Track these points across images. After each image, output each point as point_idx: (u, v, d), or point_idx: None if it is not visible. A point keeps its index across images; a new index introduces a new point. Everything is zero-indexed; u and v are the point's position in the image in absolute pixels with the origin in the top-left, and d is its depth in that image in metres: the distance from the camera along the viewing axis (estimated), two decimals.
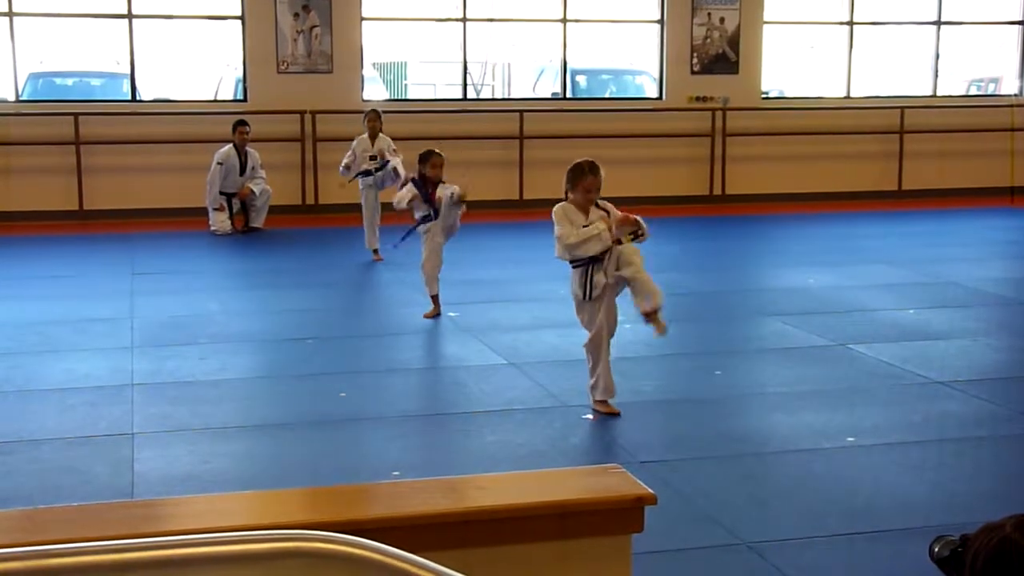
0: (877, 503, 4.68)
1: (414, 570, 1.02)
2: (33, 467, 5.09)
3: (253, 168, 12.12)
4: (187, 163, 12.65)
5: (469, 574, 1.16)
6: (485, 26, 14.51)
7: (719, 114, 14.22)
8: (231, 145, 12.01)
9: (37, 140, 12.60)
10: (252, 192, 12.04)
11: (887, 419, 5.81)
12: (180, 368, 6.65)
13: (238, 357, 7.06)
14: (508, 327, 7.49)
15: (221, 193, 12.02)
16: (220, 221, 11.95)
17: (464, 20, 13.73)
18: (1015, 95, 15.61)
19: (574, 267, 5.81)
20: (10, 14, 12.58)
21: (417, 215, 8.02)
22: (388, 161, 10.52)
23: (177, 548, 1.02)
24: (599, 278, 5.72)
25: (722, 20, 14.18)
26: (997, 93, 16.95)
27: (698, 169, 14.30)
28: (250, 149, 12.12)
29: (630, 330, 7.57)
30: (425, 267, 7.97)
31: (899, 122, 14.73)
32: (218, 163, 11.95)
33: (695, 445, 5.44)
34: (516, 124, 13.64)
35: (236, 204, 12.12)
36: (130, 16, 12.84)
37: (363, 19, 13.41)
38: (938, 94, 15.27)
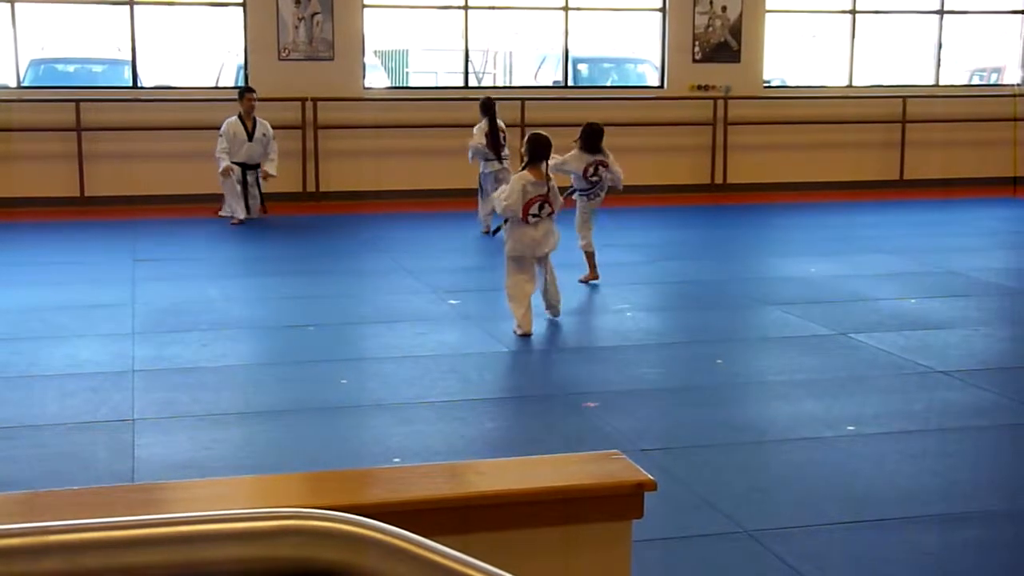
0: (877, 491, 4.68)
1: (412, 548, 1.02)
2: (34, 452, 5.09)
3: (264, 135, 11.80)
4: (188, 150, 12.64)
5: None
6: (487, 14, 14.48)
7: (721, 103, 14.20)
8: (237, 115, 11.74)
9: (38, 127, 12.59)
10: (268, 174, 11.85)
11: (888, 408, 5.81)
12: (181, 354, 6.66)
13: (239, 344, 7.07)
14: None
15: (235, 163, 11.66)
16: (236, 209, 11.66)
17: (466, 8, 13.70)
18: (1018, 85, 15.58)
19: None
20: (11, 0, 12.55)
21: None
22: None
23: (170, 526, 1.02)
24: None
25: (724, 8, 14.15)
26: (1000, 83, 16.92)
27: (700, 158, 14.29)
28: (259, 118, 11.81)
29: (631, 318, 7.59)
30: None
31: (901, 111, 14.71)
32: (220, 135, 11.66)
33: (695, 433, 5.44)
34: (518, 112, 13.61)
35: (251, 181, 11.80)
36: (131, 2, 12.82)
37: (364, 6, 13.37)
38: (940, 83, 15.24)
